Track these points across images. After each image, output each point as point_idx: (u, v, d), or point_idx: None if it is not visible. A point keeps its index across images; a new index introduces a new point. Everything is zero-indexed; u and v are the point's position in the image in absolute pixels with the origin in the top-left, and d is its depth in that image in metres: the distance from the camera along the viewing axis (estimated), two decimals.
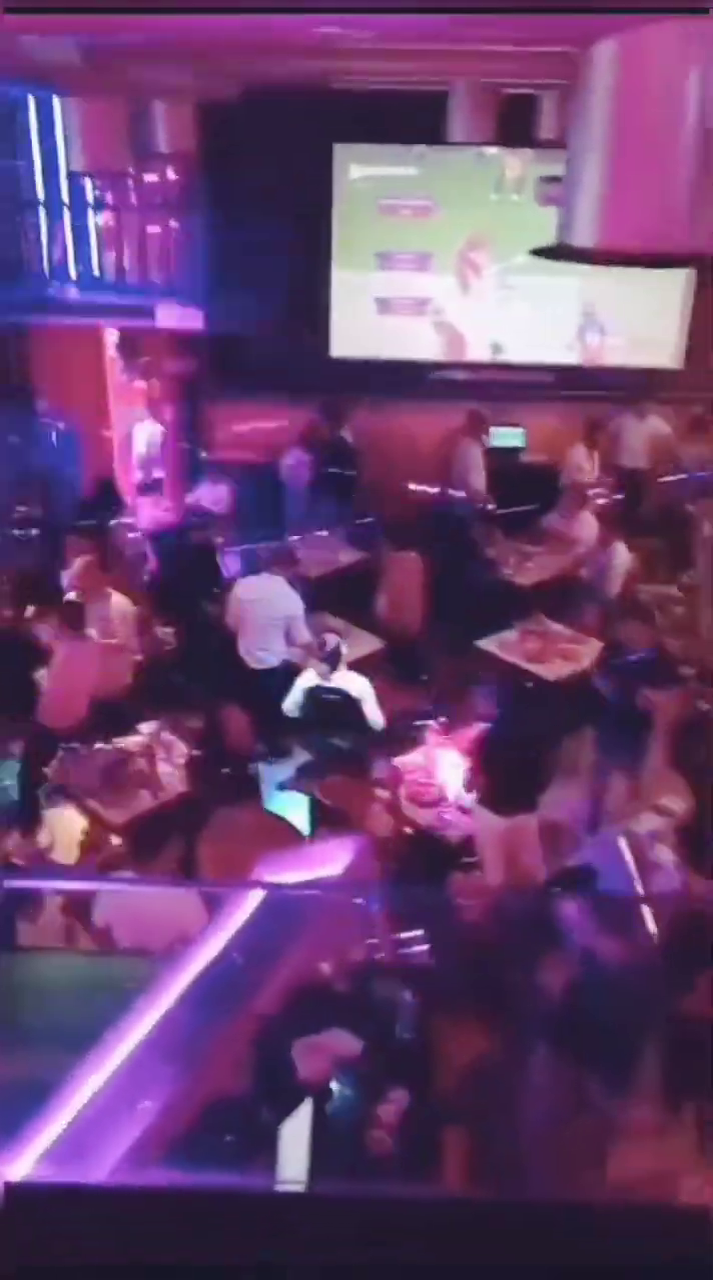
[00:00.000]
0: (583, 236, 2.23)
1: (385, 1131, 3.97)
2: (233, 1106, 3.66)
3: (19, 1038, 2.54)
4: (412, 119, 8.48)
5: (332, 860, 3.56)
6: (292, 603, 7.12)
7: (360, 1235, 1.55)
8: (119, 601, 7.10)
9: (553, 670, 7.40)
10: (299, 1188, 3.64)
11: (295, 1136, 3.89)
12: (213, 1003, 2.80)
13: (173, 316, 8.84)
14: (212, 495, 9.43)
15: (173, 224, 9.41)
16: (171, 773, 6.35)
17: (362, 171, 9.50)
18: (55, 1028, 2.60)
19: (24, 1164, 2.08)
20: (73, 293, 9.59)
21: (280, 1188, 3.71)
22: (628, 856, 5.63)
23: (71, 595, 7.21)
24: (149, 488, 10.34)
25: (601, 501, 9.06)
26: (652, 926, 4.51)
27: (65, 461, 9.78)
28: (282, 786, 6.78)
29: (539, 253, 2.45)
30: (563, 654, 7.53)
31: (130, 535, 9.10)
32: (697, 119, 2.08)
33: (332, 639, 6.70)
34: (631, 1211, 1.88)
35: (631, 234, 2.14)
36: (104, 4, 3.10)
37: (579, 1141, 3.92)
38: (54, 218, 9.55)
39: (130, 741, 6.50)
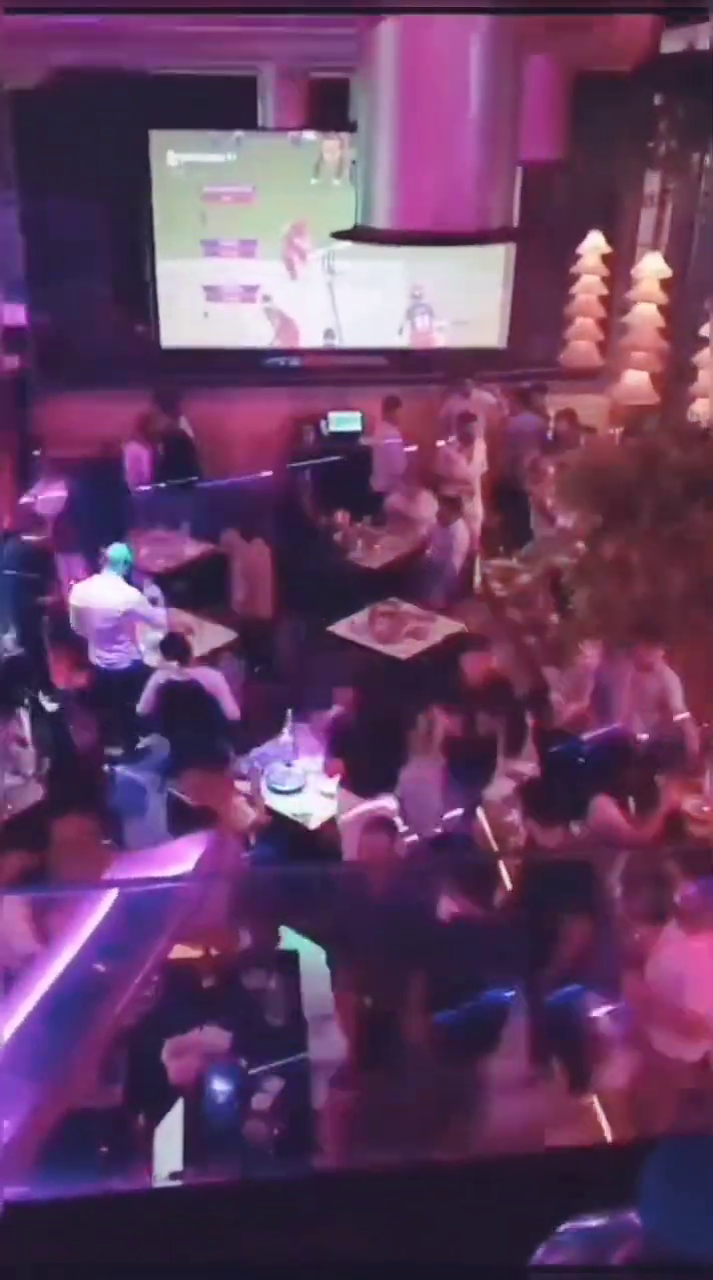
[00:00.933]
0: (377, 218, 2.25)
1: (261, 1121, 3.98)
2: (102, 1116, 3.60)
3: None
4: (228, 105, 8.40)
5: (184, 858, 3.53)
6: (130, 601, 6.99)
7: (248, 1220, 1.56)
8: None
9: (404, 650, 7.51)
10: (176, 1182, 3.62)
11: (169, 1138, 3.86)
12: (72, 1012, 2.74)
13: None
14: (47, 495, 9.14)
15: None
16: (20, 785, 6.16)
17: (180, 159, 9.36)
18: None
19: None
20: None
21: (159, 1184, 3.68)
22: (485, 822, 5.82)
23: None
24: None
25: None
26: (509, 883, 4.66)
27: None
28: (138, 786, 6.67)
29: (341, 235, 2.47)
30: (413, 633, 7.65)
31: None
32: (479, 99, 2.12)
33: (179, 633, 6.62)
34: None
35: (420, 215, 2.17)
36: (103, 3, 2.99)
37: (451, 1102, 4.03)
38: None
39: None
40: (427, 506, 8.73)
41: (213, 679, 6.55)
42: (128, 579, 7.22)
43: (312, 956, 4.70)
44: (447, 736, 5.82)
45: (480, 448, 9.30)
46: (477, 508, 9.13)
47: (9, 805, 5.91)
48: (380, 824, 4.75)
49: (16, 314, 8.67)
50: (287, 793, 6.11)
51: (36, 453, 9.74)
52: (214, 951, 4.48)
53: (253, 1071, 4.07)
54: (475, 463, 9.24)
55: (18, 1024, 2.54)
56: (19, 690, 6.86)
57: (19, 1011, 2.58)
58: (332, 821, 5.82)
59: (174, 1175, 3.75)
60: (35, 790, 6.10)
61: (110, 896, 2.89)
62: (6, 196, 8.94)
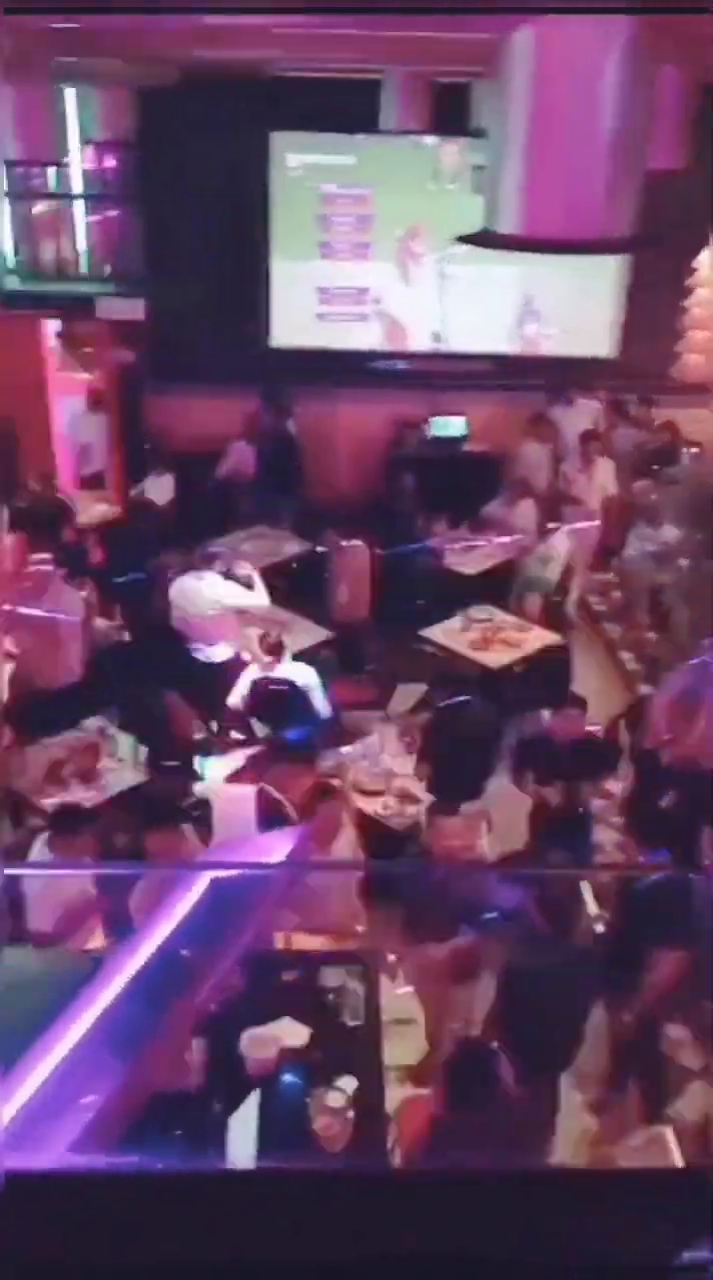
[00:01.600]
0: (505, 223, 2.25)
1: (334, 1118, 4.00)
2: (180, 1100, 3.66)
3: None
4: (350, 107, 8.47)
5: (274, 851, 3.57)
6: (227, 596, 7.10)
7: (316, 1214, 1.56)
8: (68, 596, 7.05)
9: (496, 658, 7.46)
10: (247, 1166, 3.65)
11: (243, 1128, 3.90)
12: (159, 994, 2.79)
13: (113, 307, 8.75)
14: (156, 488, 9.36)
15: (113, 213, 9.31)
16: (115, 769, 6.31)
17: (300, 160, 9.46)
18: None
19: None
20: (12, 283, 9.45)
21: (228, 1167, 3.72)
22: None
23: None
24: (91, 481, 10.23)
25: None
26: (593, 905, 4.59)
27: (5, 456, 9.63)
28: (230, 779, 6.76)
29: (466, 239, 2.47)
30: (506, 642, 7.60)
31: (74, 529, 8.99)
32: (614, 107, 2.10)
33: (275, 630, 6.69)
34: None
35: (549, 221, 2.16)
36: (102, 2, 3.06)
37: (527, 1116, 3.98)
38: None
39: (73, 737, 6.46)
40: (527, 516, 8.66)
41: (306, 676, 6.61)
42: (227, 574, 7.34)
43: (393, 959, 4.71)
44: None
45: (605, 467, 9.16)
46: (589, 523, 8.95)
47: (106, 787, 6.07)
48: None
49: (136, 309, 8.87)
50: (371, 793, 6.12)
51: (147, 446, 9.99)
52: (294, 945, 4.52)
53: (328, 1068, 4.09)
54: (598, 484, 9.09)
55: (109, 999, 2.60)
56: (121, 676, 7.04)
57: (112, 987, 2.64)
58: (416, 824, 5.81)
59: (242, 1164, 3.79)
60: (132, 774, 6.25)
61: (203, 881, 2.94)
62: (130, 194, 9.17)
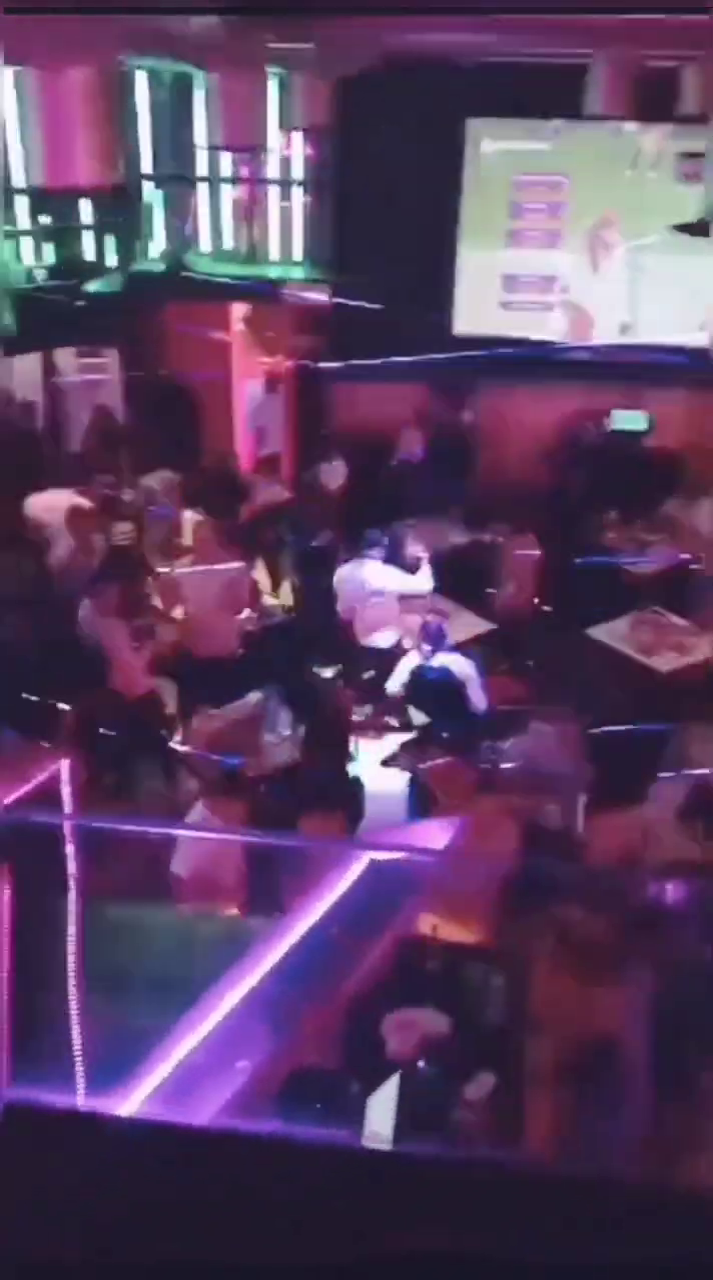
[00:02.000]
0: None
1: (471, 1112, 4.00)
2: (322, 1075, 3.73)
3: (122, 983, 2.64)
4: (547, 92, 8.32)
5: (431, 840, 3.58)
6: (391, 583, 7.15)
7: (445, 1203, 1.56)
8: (232, 571, 7.26)
9: (665, 662, 7.23)
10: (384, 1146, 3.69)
11: (381, 1111, 3.94)
12: (310, 969, 2.85)
13: (302, 293, 8.90)
14: (329, 473, 9.48)
15: (305, 199, 9.45)
16: (275, 743, 6.46)
17: (494, 146, 9.35)
18: (156, 977, 2.70)
19: (128, 1105, 2.16)
20: (203, 267, 9.73)
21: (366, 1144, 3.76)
22: None
23: (185, 563, 7.42)
24: (267, 463, 10.46)
25: None
26: None
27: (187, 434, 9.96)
28: (385, 764, 6.81)
29: (684, 228, 2.38)
30: (677, 646, 7.35)
31: (247, 508, 9.22)
32: None
33: (436, 620, 6.69)
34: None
35: None
36: (102, 2, 3.09)
37: (674, 1128, 3.87)
38: (188, 192, 9.69)
39: (237, 708, 6.63)
40: (707, 518, 8.34)
41: (464, 667, 6.59)
42: (394, 559, 7.38)
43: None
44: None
45: None
46: None
47: (265, 761, 6.22)
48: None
49: (321, 296, 8.99)
50: (526, 791, 6.04)
51: (323, 431, 10.13)
52: (441, 935, 4.52)
53: (467, 1062, 4.09)
54: None
55: (265, 971, 2.67)
56: (286, 654, 7.20)
57: (267, 959, 2.72)
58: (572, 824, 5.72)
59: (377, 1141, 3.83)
60: (290, 751, 6.38)
61: (361, 862, 2.98)
62: (323, 180, 9.29)
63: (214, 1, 2.98)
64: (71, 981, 2.85)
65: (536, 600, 7.95)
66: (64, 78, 4.83)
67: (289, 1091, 2.96)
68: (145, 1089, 2.35)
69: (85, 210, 9.79)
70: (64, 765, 4.15)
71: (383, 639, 7.20)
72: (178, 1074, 2.37)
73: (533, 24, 4.94)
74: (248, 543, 8.36)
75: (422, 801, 5.45)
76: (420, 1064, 4.12)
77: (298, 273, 9.67)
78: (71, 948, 3.16)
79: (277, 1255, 1.38)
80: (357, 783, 6.15)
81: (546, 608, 7.95)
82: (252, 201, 10.03)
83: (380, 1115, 3.95)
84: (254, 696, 6.78)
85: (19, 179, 9.95)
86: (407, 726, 6.88)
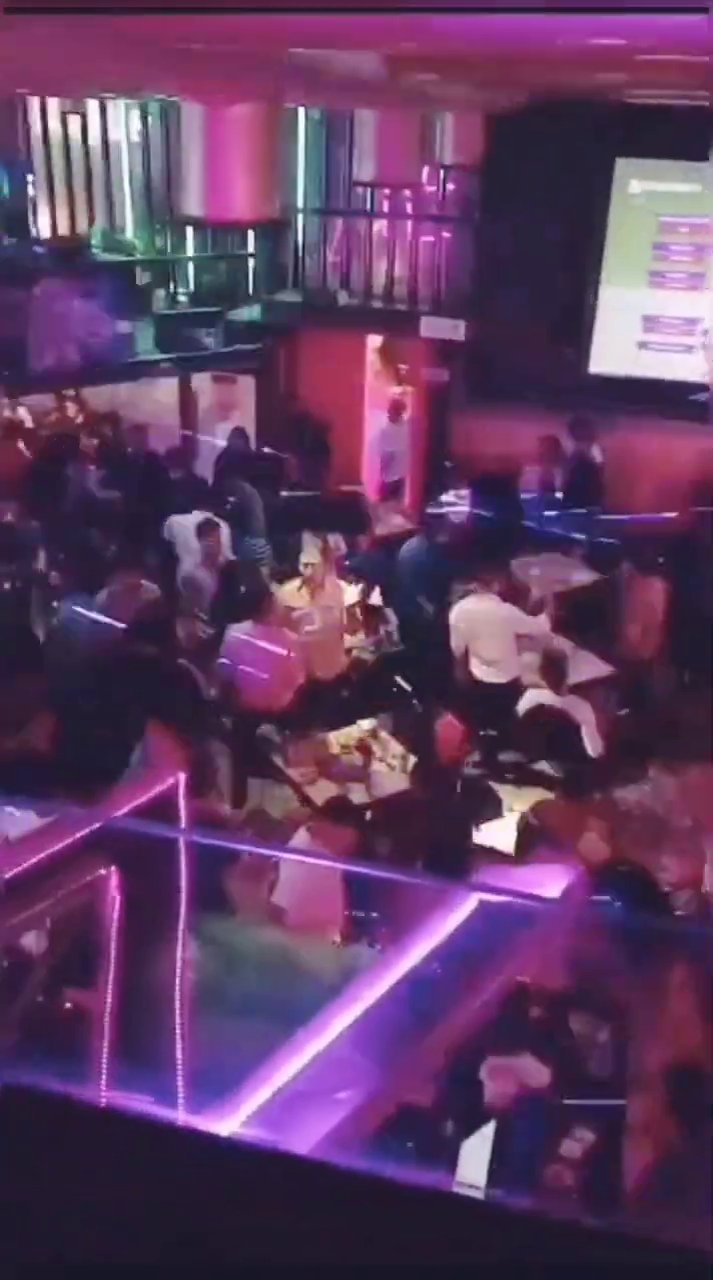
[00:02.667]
0: None
1: (565, 1169, 3.87)
2: (416, 1113, 3.67)
3: (229, 1003, 2.66)
4: (699, 134, 8.21)
5: (543, 884, 3.50)
6: (509, 619, 7.08)
7: (526, 1255, 1.47)
8: (344, 595, 7.31)
9: None
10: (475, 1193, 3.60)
11: (475, 1156, 3.86)
12: (413, 1005, 2.82)
13: (437, 326, 8.97)
14: (452, 505, 9.48)
15: (445, 235, 9.53)
16: (384, 771, 6.44)
17: (643, 187, 9.28)
18: (262, 1000, 2.71)
19: (229, 1124, 2.17)
20: (342, 298, 9.89)
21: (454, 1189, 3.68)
22: None
23: (295, 585, 7.51)
24: (391, 492, 10.52)
25: None
26: None
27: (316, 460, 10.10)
28: (495, 799, 6.72)
29: None
30: None
31: (370, 536, 9.29)
32: None
33: (556, 659, 6.59)
34: None
35: None
36: (102, 3, 3.11)
37: None
38: (332, 225, 9.89)
39: (347, 734, 6.66)
40: None
41: (581, 710, 6.46)
42: (512, 596, 7.31)
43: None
44: None
45: None
46: None
47: (373, 788, 6.21)
48: None
49: (456, 330, 9.03)
50: (641, 843, 5.88)
51: (448, 463, 10.15)
52: (548, 982, 4.41)
53: (566, 1116, 3.97)
54: None
55: (369, 1005, 2.65)
56: (397, 684, 7.20)
57: (373, 992, 2.69)
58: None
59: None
60: (400, 780, 6.36)
61: (471, 902, 2.93)
62: (466, 216, 9.35)
63: (216, 2, 3.01)
64: (177, 994, 2.87)
65: (660, 644, 7.75)
66: (227, 114, 4.98)
67: (387, 1127, 2.91)
68: (245, 1110, 2.35)
69: (230, 239, 10.11)
70: (181, 778, 4.24)
71: (498, 675, 7.12)
72: (284, 1094, 2.35)
73: (677, 65, 4.87)
74: (367, 570, 8.42)
75: (531, 842, 5.34)
76: (517, 1113, 4.03)
77: (435, 306, 9.74)
78: (178, 960, 3.19)
79: None
80: (462, 817, 6.09)
81: (671, 652, 7.74)
82: (392, 236, 10.17)
83: (473, 1161, 3.87)
84: (365, 724, 6.80)
85: (161, 206, 10.37)
86: (519, 765, 6.79)
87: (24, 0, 3.08)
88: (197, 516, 8.08)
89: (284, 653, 6.75)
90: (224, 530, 8.12)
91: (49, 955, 4.06)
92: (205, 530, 7.86)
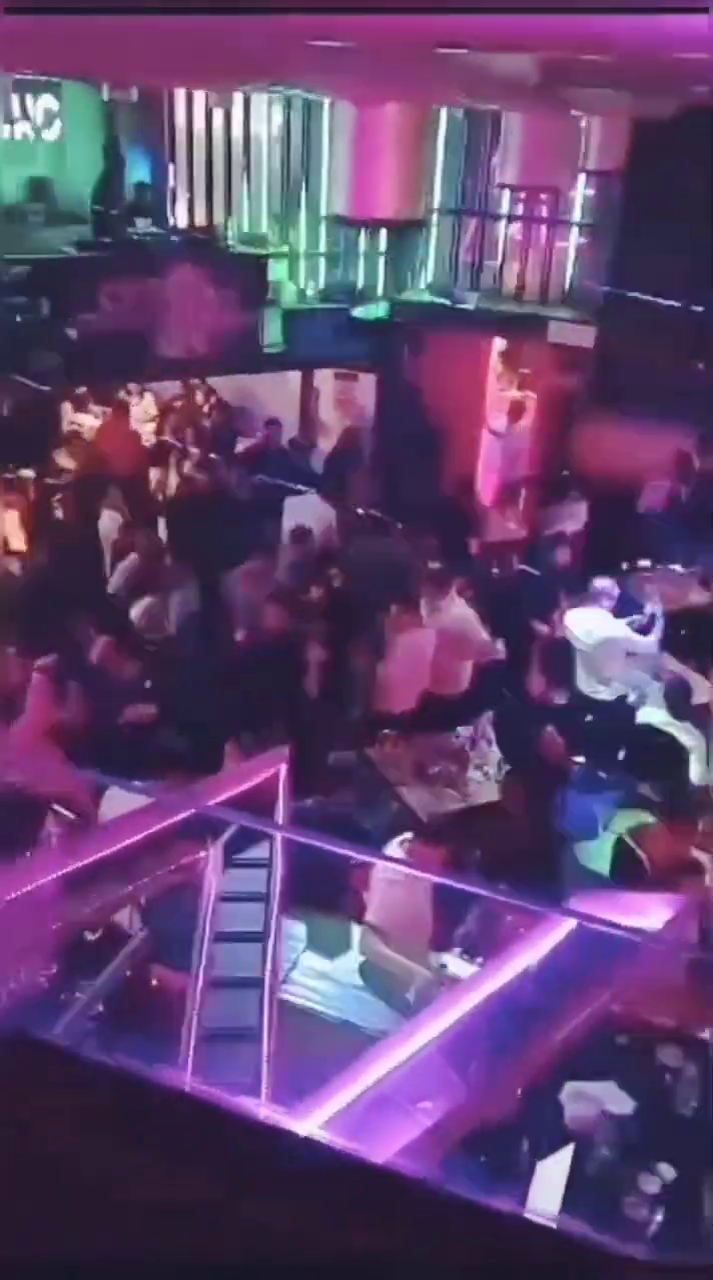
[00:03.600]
0: None
1: (643, 1204, 3.78)
2: (495, 1130, 3.62)
3: (322, 1003, 2.65)
4: None
5: (643, 913, 3.42)
6: (614, 636, 6.93)
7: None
8: (460, 607, 7.24)
9: None
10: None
11: (550, 1180, 3.79)
12: (505, 1021, 2.78)
13: (566, 332, 8.84)
14: (569, 513, 9.33)
15: (581, 240, 9.38)
16: (481, 780, 6.39)
17: None
18: (353, 1003, 2.70)
19: (309, 1123, 2.17)
20: (472, 299, 9.83)
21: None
22: None
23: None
24: (506, 498, 10.42)
25: None
26: None
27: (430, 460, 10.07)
28: (592, 816, 6.60)
29: None
30: None
31: (481, 543, 9.21)
32: None
33: (682, 682, 6.42)
34: None
35: None
36: (103, 3, 3.05)
37: None
38: (466, 226, 9.84)
39: (444, 740, 6.62)
40: None
41: (692, 735, 6.28)
42: (623, 612, 7.15)
43: None
44: None
45: None
46: None
47: (468, 796, 6.16)
48: None
49: (586, 337, 8.90)
50: None
51: (565, 471, 10.00)
52: (638, 1011, 4.31)
53: (647, 1149, 3.87)
54: None
55: (460, 1017, 2.62)
56: (495, 693, 7.11)
57: (462, 1005, 2.66)
58: None
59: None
60: (491, 789, 6.29)
61: (568, 926, 2.88)
62: (605, 219, 9.18)
63: (216, 2, 2.96)
64: (267, 988, 2.89)
65: None
66: (377, 113, 4.98)
67: (461, 1141, 2.88)
68: (327, 1110, 2.34)
69: (363, 236, 10.14)
70: (282, 769, 4.27)
71: (603, 690, 6.98)
72: (366, 1098, 2.34)
73: None
74: (474, 576, 8.34)
75: (629, 868, 5.22)
76: (596, 1141, 3.94)
77: (564, 312, 9.60)
78: (269, 953, 3.22)
79: None
80: (558, 835, 5.99)
81: None
82: (526, 238, 10.06)
83: (548, 1185, 3.80)
84: (462, 730, 6.74)
85: (297, 201, 10.46)
86: (619, 785, 6.65)
87: (24, 0, 3.11)
88: (309, 509, 8.17)
89: (424, 654, 6.78)
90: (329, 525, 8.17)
91: (142, 932, 4.15)
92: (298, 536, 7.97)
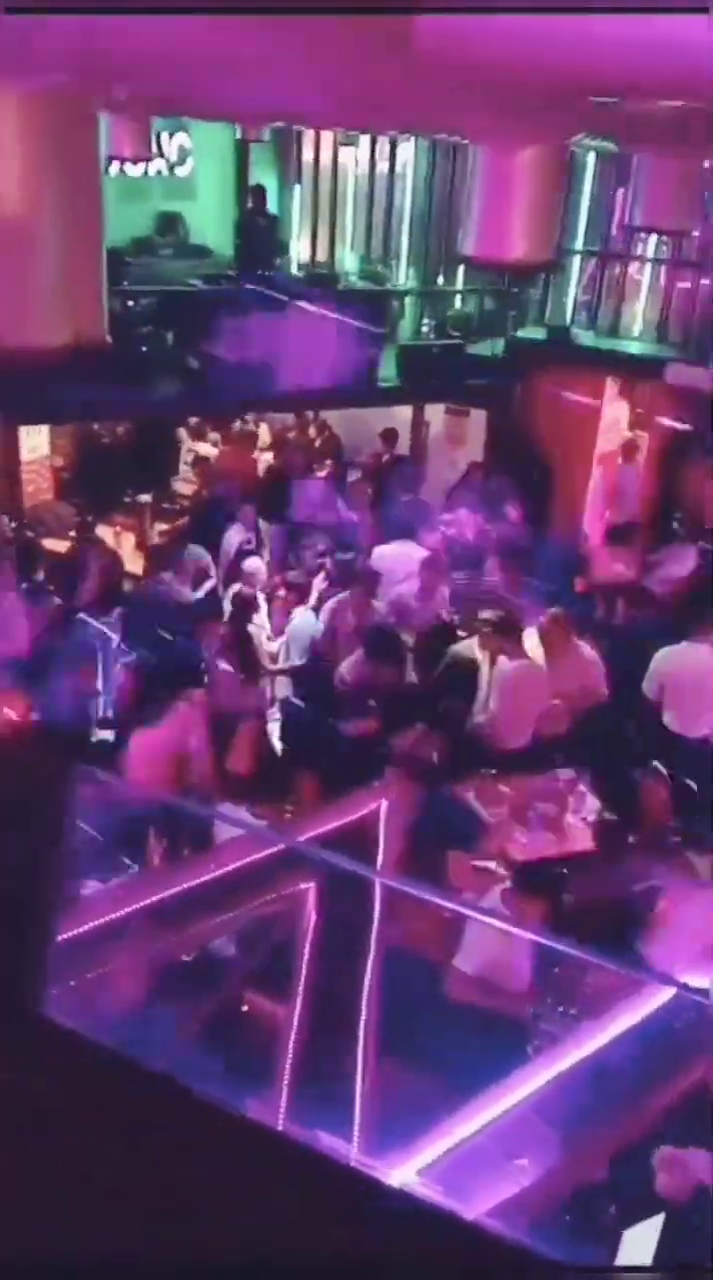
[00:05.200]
0: None
1: None
2: (585, 1191, 3.56)
3: (415, 1055, 2.66)
4: None
5: None
6: None
7: None
8: (587, 649, 7.20)
9: None
10: None
11: (637, 1245, 3.70)
12: (601, 1083, 2.74)
13: (684, 374, 8.72)
14: (678, 558, 9.17)
15: (704, 282, 9.27)
16: (578, 826, 6.29)
17: None
18: (450, 1054, 2.70)
19: (403, 1172, 2.17)
20: (587, 338, 9.79)
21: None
22: None
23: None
24: (616, 539, 10.29)
25: None
26: None
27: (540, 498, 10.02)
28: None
29: None
30: None
31: (586, 582, 9.11)
32: None
33: None
34: None
35: None
36: (103, 3, 3.01)
37: None
38: (588, 265, 9.81)
39: (544, 781, 6.54)
40: None
41: None
42: None
43: None
44: None
45: None
46: None
47: (565, 841, 6.07)
48: None
49: (703, 379, 8.77)
50: None
51: (677, 515, 9.84)
52: None
53: None
54: None
55: (556, 1077, 2.60)
56: (599, 739, 7.01)
57: (560, 1064, 2.64)
58: None
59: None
60: (586, 836, 6.20)
61: (665, 995, 2.82)
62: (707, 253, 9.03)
63: (216, 2, 2.93)
64: (362, 1028, 2.91)
65: None
66: (512, 155, 5.03)
67: (548, 1196, 2.84)
68: (421, 1160, 2.35)
69: (483, 274, 10.20)
70: (384, 805, 4.29)
71: (693, 728, 6.84)
72: (462, 1149, 2.34)
73: None
74: (581, 618, 8.24)
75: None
76: (686, 1209, 3.83)
77: (680, 353, 9.47)
78: (365, 994, 3.23)
79: None
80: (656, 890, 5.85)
81: None
82: (648, 279, 9.98)
83: (635, 1250, 3.71)
84: (563, 773, 6.65)
85: (421, 240, 10.55)
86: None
87: (24, 0, 3.11)
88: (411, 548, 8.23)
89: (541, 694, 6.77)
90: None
91: (238, 960, 4.21)
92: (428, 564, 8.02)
